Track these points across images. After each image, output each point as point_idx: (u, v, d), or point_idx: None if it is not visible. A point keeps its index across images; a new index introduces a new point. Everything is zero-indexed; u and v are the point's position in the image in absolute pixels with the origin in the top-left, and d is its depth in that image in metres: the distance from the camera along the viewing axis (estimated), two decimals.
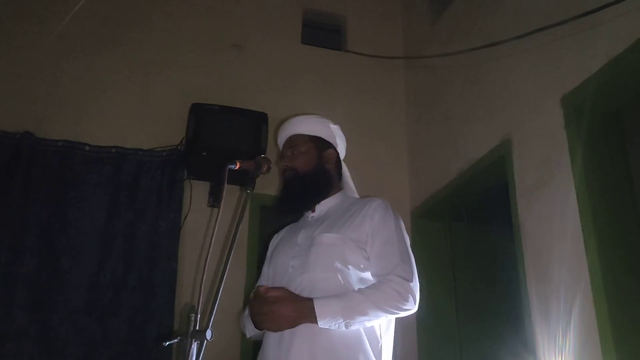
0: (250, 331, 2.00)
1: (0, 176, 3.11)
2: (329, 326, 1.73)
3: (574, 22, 2.40)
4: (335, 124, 2.23)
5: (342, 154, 2.24)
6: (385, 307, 1.76)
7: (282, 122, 2.27)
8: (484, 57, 3.16)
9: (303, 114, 2.24)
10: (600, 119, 2.43)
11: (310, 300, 1.76)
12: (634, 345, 2.08)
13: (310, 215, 2.12)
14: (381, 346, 1.82)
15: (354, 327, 1.76)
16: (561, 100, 2.53)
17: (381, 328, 1.85)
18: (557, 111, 2.55)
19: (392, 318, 1.88)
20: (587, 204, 2.30)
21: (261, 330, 1.87)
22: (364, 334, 1.79)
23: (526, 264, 2.66)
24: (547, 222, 2.55)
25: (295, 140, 2.14)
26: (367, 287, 1.82)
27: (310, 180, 2.08)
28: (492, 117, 3.09)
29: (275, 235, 2.26)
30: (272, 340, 1.84)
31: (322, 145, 2.14)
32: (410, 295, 1.79)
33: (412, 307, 1.80)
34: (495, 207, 3.45)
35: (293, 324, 1.76)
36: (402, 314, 1.82)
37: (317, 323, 1.73)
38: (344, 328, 1.74)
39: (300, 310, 1.75)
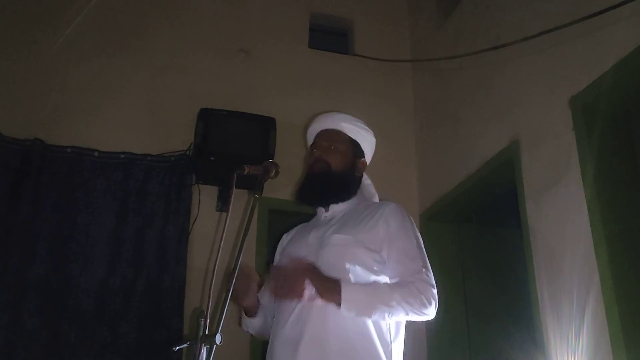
0: (247, 325, 2.05)
1: (10, 182, 3.13)
2: (348, 312, 1.71)
3: (582, 24, 2.39)
4: (375, 136, 2.23)
5: (367, 163, 2.25)
6: (410, 303, 1.74)
7: (316, 115, 2.24)
8: (492, 59, 3.15)
9: (351, 115, 2.20)
10: (609, 120, 2.41)
11: (338, 280, 1.74)
12: None
13: (323, 215, 2.11)
14: (391, 351, 1.81)
15: (373, 318, 1.73)
16: (569, 101, 2.52)
17: (391, 332, 1.83)
18: (565, 112, 2.54)
19: (406, 320, 1.86)
20: (597, 205, 2.29)
21: (280, 298, 1.81)
22: (376, 339, 1.77)
23: (536, 266, 2.64)
24: (556, 223, 2.54)
25: (336, 136, 2.12)
26: (393, 283, 1.81)
27: (339, 182, 2.07)
28: (500, 119, 3.08)
29: (286, 235, 2.26)
30: (279, 342, 1.84)
31: (358, 153, 2.15)
32: (433, 301, 1.79)
33: (431, 314, 1.80)
34: (504, 209, 3.44)
35: (314, 297, 1.72)
36: (421, 318, 1.80)
37: (339, 305, 1.70)
38: (364, 316, 1.72)
39: (325, 285, 1.73)
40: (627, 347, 2.06)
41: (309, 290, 1.71)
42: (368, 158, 2.22)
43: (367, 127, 2.20)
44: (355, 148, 2.14)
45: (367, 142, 2.19)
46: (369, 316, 1.74)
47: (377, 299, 1.73)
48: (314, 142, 2.17)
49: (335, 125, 2.15)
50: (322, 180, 2.07)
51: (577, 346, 2.27)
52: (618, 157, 2.39)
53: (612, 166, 2.37)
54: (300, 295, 1.71)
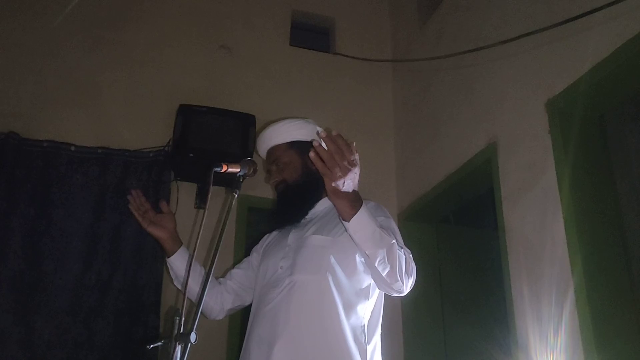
0: (172, 274, 2.11)
1: None
2: (352, 230, 1.61)
3: (560, 28, 2.42)
4: (308, 121, 2.15)
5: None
6: (401, 261, 1.67)
7: (260, 131, 2.19)
8: (471, 61, 3.17)
9: (275, 122, 2.14)
10: (585, 124, 2.45)
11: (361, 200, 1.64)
12: (615, 345, 2.11)
13: None
14: (367, 352, 1.79)
15: (367, 250, 1.63)
16: (546, 104, 2.55)
17: (366, 335, 1.82)
18: (542, 115, 2.57)
19: (384, 283, 1.74)
20: (571, 207, 2.32)
21: (331, 167, 1.52)
22: (351, 341, 1.76)
23: (512, 267, 2.67)
24: (532, 224, 2.57)
25: (276, 153, 2.10)
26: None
27: (301, 189, 2.05)
28: (479, 121, 3.10)
29: (267, 235, 2.25)
30: (254, 341, 1.83)
31: (303, 148, 2.04)
32: (412, 279, 1.76)
33: (407, 286, 1.74)
34: (481, 209, 3.48)
35: (350, 194, 1.58)
36: (396, 285, 1.71)
37: (354, 213, 1.59)
38: (365, 240, 1.62)
39: (358, 195, 1.62)
40: (598, 347, 2.09)
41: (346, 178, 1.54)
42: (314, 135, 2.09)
43: (294, 121, 2.12)
44: (297, 147, 2.08)
45: (307, 131, 2.11)
46: (371, 242, 1.62)
47: (382, 235, 1.64)
48: (268, 170, 2.16)
49: (269, 145, 2.12)
50: (288, 198, 2.06)
51: (556, 344, 2.30)
52: (593, 160, 2.43)
53: (588, 169, 2.40)
54: (346, 171, 1.51)
